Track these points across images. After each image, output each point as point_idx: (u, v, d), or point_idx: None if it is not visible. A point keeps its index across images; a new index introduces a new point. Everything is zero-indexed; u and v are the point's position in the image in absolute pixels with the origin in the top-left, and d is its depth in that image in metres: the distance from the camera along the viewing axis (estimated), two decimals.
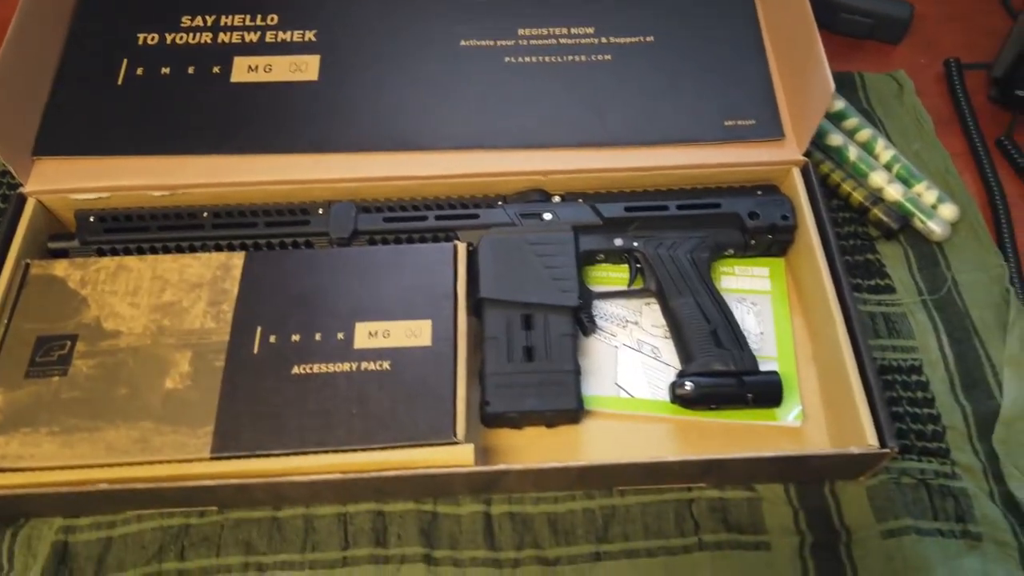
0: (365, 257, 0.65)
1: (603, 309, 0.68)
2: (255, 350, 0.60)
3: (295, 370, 0.59)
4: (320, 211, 0.67)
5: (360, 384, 0.58)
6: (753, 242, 0.68)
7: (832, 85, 0.62)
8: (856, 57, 0.86)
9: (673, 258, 0.66)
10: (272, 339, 0.60)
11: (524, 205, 0.68)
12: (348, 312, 0.61)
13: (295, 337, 0.60)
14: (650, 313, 0.67)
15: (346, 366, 0.59)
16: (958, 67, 0.82)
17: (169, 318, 0.61)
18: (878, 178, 0.73)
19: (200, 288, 0.63)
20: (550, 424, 0.62)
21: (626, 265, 0.69)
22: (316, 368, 0.59)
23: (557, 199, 0.68)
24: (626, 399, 0.62)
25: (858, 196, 0.73)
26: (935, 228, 0.70)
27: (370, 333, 0.60)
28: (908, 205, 0.72)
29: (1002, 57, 0.79)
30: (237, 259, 0.64)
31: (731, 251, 0.68)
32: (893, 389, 0.64)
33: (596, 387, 0.63)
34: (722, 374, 0.61)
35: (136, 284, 0.63)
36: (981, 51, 0.85)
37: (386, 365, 0.59)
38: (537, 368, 0.61)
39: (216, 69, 0.73)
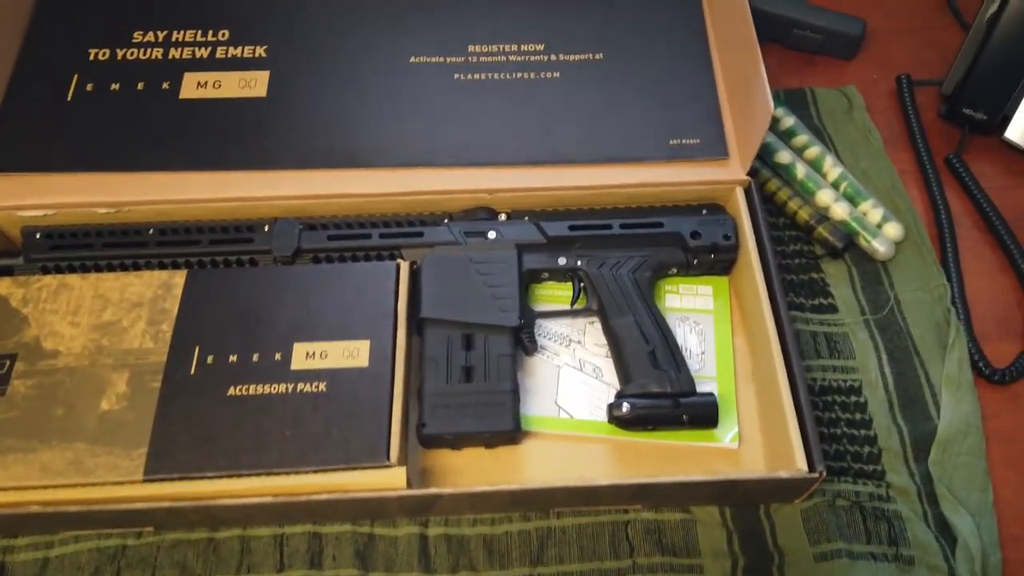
0: (307, 275, 0.65)
1: (547, 328, 0.68)
2: (192, 371, 0.60)
3: (231, 391, 0.59)
4: (265, 228, 0.67)
5: (295, 406, 0.58)
6: (696, 261, 0.68)
7: (772, 106, 0.63)
8: (808, 72, 0.86)
9: (615, 277, 0.66)
10: (210, 359, 0.60)
11: (469, 223, 0.68)
12: (287, 332, 0.61)
13: (233, 358, 0.60)
14: (594, 332, 0.67)
15: (282, 387, 0.59)
16: (909, 83, 0.82)
17: (108, 338, 0.61)
18: (825, 196, 0.74)
19: (140, 307, 0.63)
20: (488, 445, 0.62)
21: (570, 284, 0.69)
22: (252, 389, 0.59)
23: (503, 217, 0.69)
24: (566, 420, 0.63)
25: (804, 215, 0.73)
26: (879, 247, 0.71)
27: (307, 354, 0.60)
28: (854, 224, 0.72)
29: (952, 74, 0.79)
30: (179, 277, 0.64)
31: (674, 270, 0.69)
32: (832, 410, 0.65)
33: (536, 407, 0.63)
34: (659, 395, 0.61)
35: (77, 303, 0.63)
36: (934, 66, 0.85)
37: (322, 386, 0.59)
38: (475, 389, 0.61)
39: (165, 85, 0.73)
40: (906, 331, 0.68)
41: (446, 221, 0.68)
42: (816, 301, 0.70)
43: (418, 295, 0.65)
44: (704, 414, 0.61)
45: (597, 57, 0.75)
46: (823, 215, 0.73)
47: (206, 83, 0.73)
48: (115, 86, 0.72)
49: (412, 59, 0.75)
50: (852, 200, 0.74)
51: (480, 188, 0.69)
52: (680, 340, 0.66)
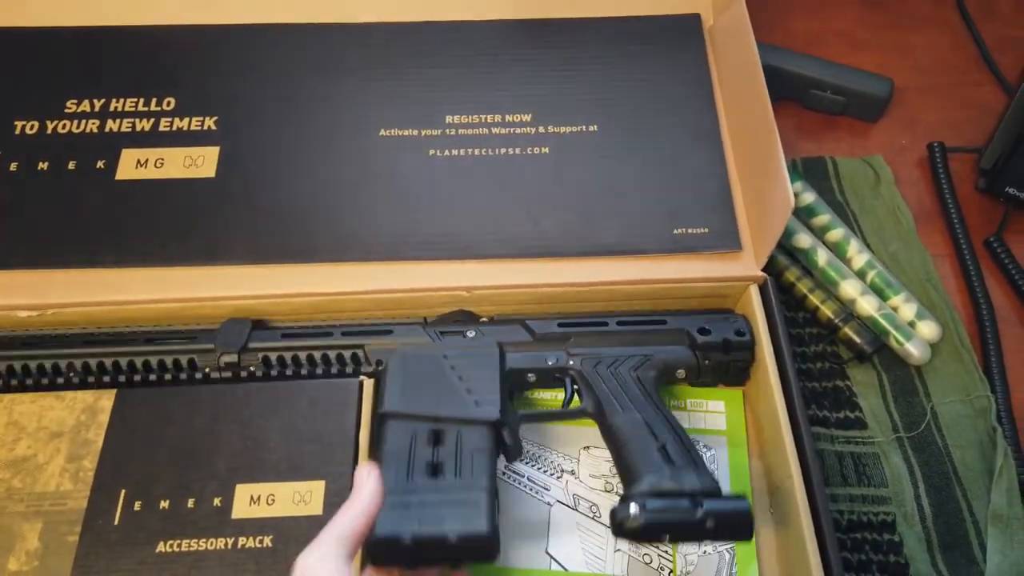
0: (253, 396, 0.56)
1: (535, 454, 0.59)
2: (116, 520, 0.51)
3: (160, 547, 0.50)
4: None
5: (235, 564, 0.50)
6: (707, 362, 0.59)
7: (792, 201, 0.54)
8: (829, 136, 0.77)
9: (615, 375, 0.58)
10: (137, 505, 0.52)
11: (445, 323, 0.60)
12: (228, 470, 0.53)
13: (164, 503, 0.52)
14: (589, 461, 0.59)
15: (220, 542, 0.50)
16: (942, 152, 0.73)
17: (21, 477, 0.53)
18: (850, 288, 0.65)
19: (60, 438, 0.54)
20: (455, 564, 0.51)
21: (560, 389, 0.60)
22: (186, 545, 0.50)
23: (485, 319, 0.61)
24: (559, 573, 0.54)
25: (827, 311, 0.64)
26: (913, 350, 0.62)
27: (252, 498, 0.52)
28: (883, 322, 0.63)
29: (992, 147, 0.70)
30: (107, 399, 0.56)
31: (682, 373, 0.60)
32: (862, 551, 0.56)
33: (525, 557, 0.54)
34: (675, 495, 0.51)
35: None
36: (970, 130, 0.76)
37: (267, 541, 0.50)
38: (443, 485, 0.50)
39: (101, 164, 0.64)
40: (946, 452, 0.60)
41: (420, 324, 0.60)
42: (842, 414, 0.61)
43: (380, 392, 0.56)
44: (734, 521, 0.50)
45: (591, 129, 0.66)
46: (849, 312, 0.64)
47: (147, 161, 0.64)
48: (43, 165, 0.64)
49: (382, 132, 0.66)
50: (881, 293, 0.65)
51: (457, 285, 0.60)
52: None
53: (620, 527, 0.50)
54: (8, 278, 0.60)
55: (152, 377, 0.58)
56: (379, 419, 0.54)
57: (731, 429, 0.59)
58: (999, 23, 0.83)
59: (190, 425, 0.55)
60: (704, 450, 0.59)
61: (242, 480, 0.53)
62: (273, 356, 0.58)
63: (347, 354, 0.58)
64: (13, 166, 0.64)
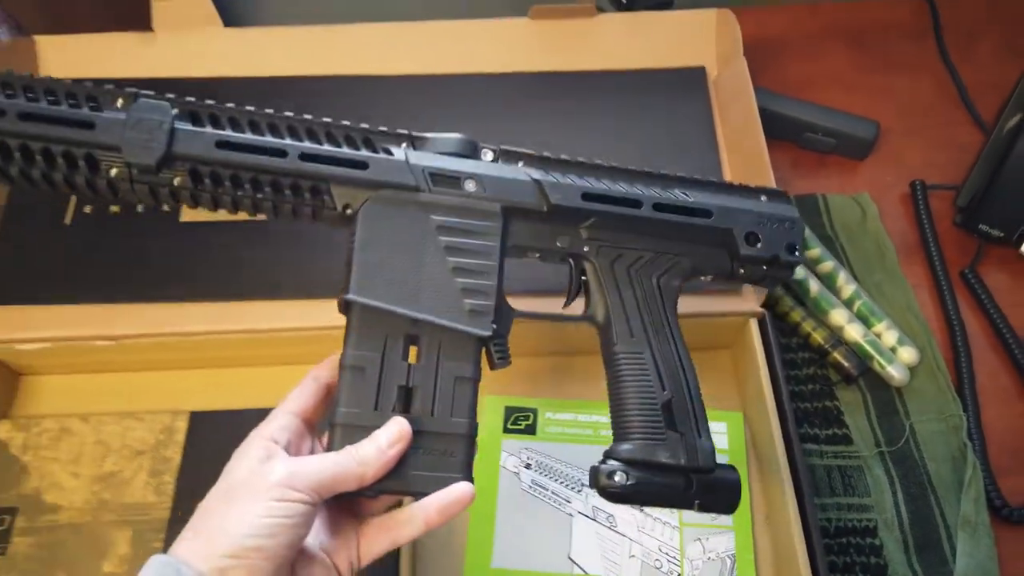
0: None
1: (558, 470, 0.66)
2: None
3: None
4: (117, 103, 0.45)
5: None
6: (742, 271, 0.54)
7: None
8: (820, 174, 0.85)
9: (633, 280, 0.50)
10: None
11: (439, 158, 0.48)
12: None
13: None
14: None
15: None
16: (923, 190, 0.81)
17: (110, 490, 0.60)
18: (839, 316, 0.72)
19: (143, 456, 0.62)
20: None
21: (563, 268, 0.53)
22: None
23: (489, 155, 0.50)
24: None
25: (818, 337, 0.72)
26: (894, 373, 0.70)
27: None
28: (868, 347, 0.71)
29: (968, 185, 0.78)
30: (181, 421, 0.63)
31: (708, 278, 0.54)
32: (847, 553, 0.63)
33: (549, 562, 0.62)
34: (668, 469, 0.48)
35: (78, 450, 0.62)
36: (949, 168, 0.83)
37: None
38: (415, 426, 0.44)
39: (166, 207, 0.71)
40: (922, 465, 0.67)
41: (405, 144, 0.48)
42: (831, 431, 0.69)
43: (348, 260, 0.46)
44: (722, 499, 0.49)
45: None
46: (837, 338, 0.72)
47: None
48: (115, 208, 0.71)
49: None
50: (866, 320, 0.73)
51: None
52: None
53: (602, 490, 0.47)
54: (86, 312, 0.67)
55: (36, 174, 0.44)
56: (344, 305, 0.46)
57: (732, 449, 0.67)
58: (978, 68, 0.90)
59: None
60: None
61: None
62: (205, 171, 0.45)
63: (305, 185, 0.46)
64: (88, 209, 0.71)
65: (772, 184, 0.64)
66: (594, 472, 0.48)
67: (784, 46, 0.94)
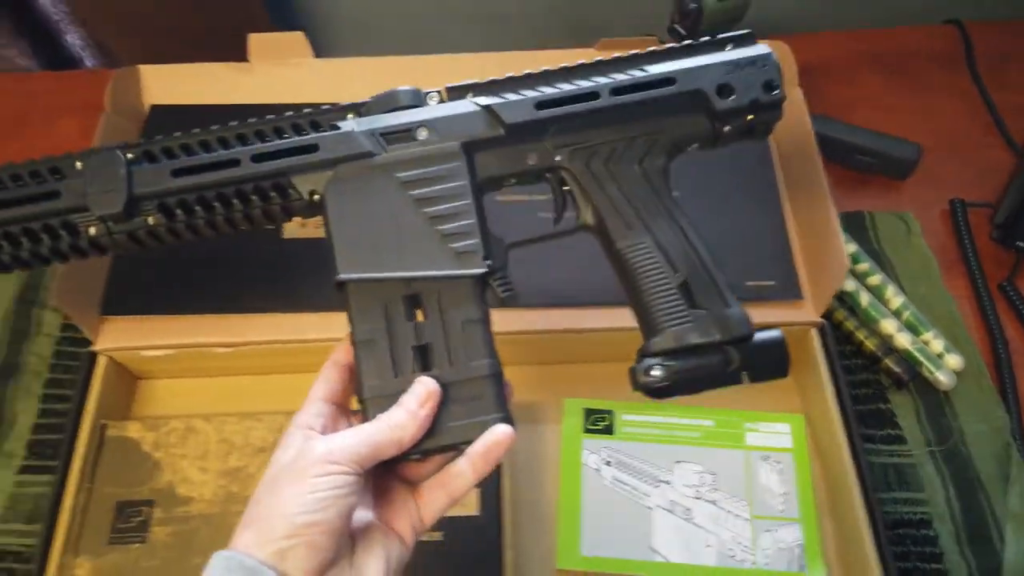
0: None
1: (636, 468, 0.72)
2: None
3: None
4: (76, 166, 0.47)
5: (415, 556, 0.63)
6: (727, 129, 0.51)
7: (847, 263, 0.68)
8: (864, 193, 0.91)
9: (614, 174, 0.48)
10: None
11: (386, 117, 0.48)
12: None
13: None
14: (683, 471, 0.71)
15: None
16: (962, 208, 0.87)
17: (237, 484, 0.66)
18: (888, 325, 0.78)
19: (264, 452, 0.68)
20: None
21: (547, 187, 0.52)
22: None
23: (434, 100, 0.49)
24: (661, 564, 0.67)
25: (870, 345, 0.78)
26: (942, 379, 0.76)
27: None
28: (917, 355, 0.77)
29: (1004, 204, 0.84)
30: None
31: (695, 146, 0.52)
32: (904, 544, 0.69)
33: (632, 551, 0.67)
34: (703, 349, 0.46)
35: (204, 447, 0.68)
36: (986, 187, 0.89)
37: (438, 535, 0.64)
38: (439, 379, 0.44)
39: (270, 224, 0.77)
40: (970, 463, 0.73)
41: (350, 116, 0.49)
42: (885, 432, 0.75)
43: (329, 245, 0.47)
44: (770, 362, 0.47)
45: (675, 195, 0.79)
46: (888, 346, 0.78)
47: (307, 222, 0.78)
48: None
49: (498, 198, 0.79)
50: (914, 329, 0.79)
51: (551, 328, 0.73)
52: (763, 480, 0.70)
53: (644, 388, 0.46)
54: (206, 321, 0.73)
55: (25, 255, 0.48)
56: (338, 289, 0.47)
57: (796, 447, 0.73)
58: (1010, 92, 0.96)
59: None
60: (775, 464, 0.72)
61: None
62: (172, 202, 0.47)
63: (267, 185, 0.47)
64: None
65: (835, 215, 0.70)
66: (632, 373, 0.47)
67: (823, 71, 1.00)
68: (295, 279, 0.75)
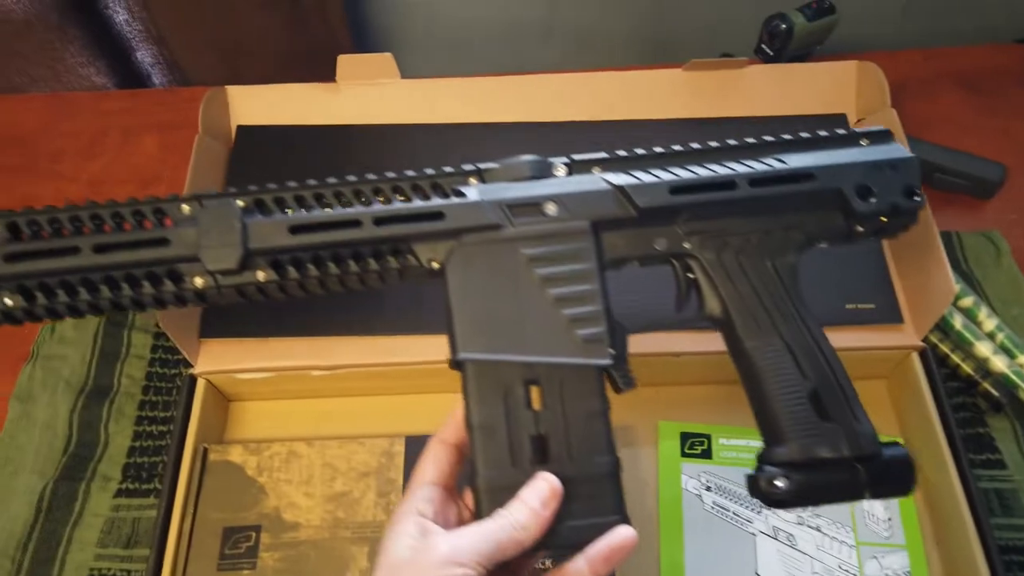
0: None
1: (737, 493, 0.71)
2: None
3: None
4: (183, 209, 0.45)
5: None
6: (860, 229, 0.50)
7: (954, 287, 0.67)
8: (949, 212, 0.90)
9: (745, 268, 0.47)
10: None
11: (512, 187, 0.46)
12: None
13: None
14: None
15: None
16: None
17: (343, 509, 0.66)
18: (983, 348, 0.78)
19: (368, 477, 0.67)
20: None
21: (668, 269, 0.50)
22: None
23: (561, 171, 0.48)
24: None
25: (967, 368, 0.77)
26: None
27: None
28: (1014, 377, 0.76)
29: None
30: (399, 445, 0.69)
31: (824, 244, 0.51)
32: (1012, 571, 0.68)
33: None
34: (832, 463, 0.44)
35: (308, 472, 0.68)
36: None
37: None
38: (557, 474, 0.42)
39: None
40: None
41: (471, 181, 0.47)
42: (984, 456, 0.74)
43: (449, 320, 0.45)
44: (896, 481, 0.45)
45: None
46: (985, 369, 0.77)
47: None
48: None
49: None
50: (1009, 352, 0.78)
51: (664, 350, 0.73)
52: (865, 506, 0.70)
53: (765, 498, 0.45)
54: (300, 343, 0.73)
55: (125, 301, 0.45)
56: (458, 367, 0.44)
57: None
58: None
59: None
60: None
61: None
62: (285, 259, 0.45)
63: (386, 249, 0.46)
64: None
65: (938, 240, 0.69)
66: (753, 481, 0.45)
67: (900, 89, 0.99)
68: (388, 301, 0.75)
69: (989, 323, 0.80)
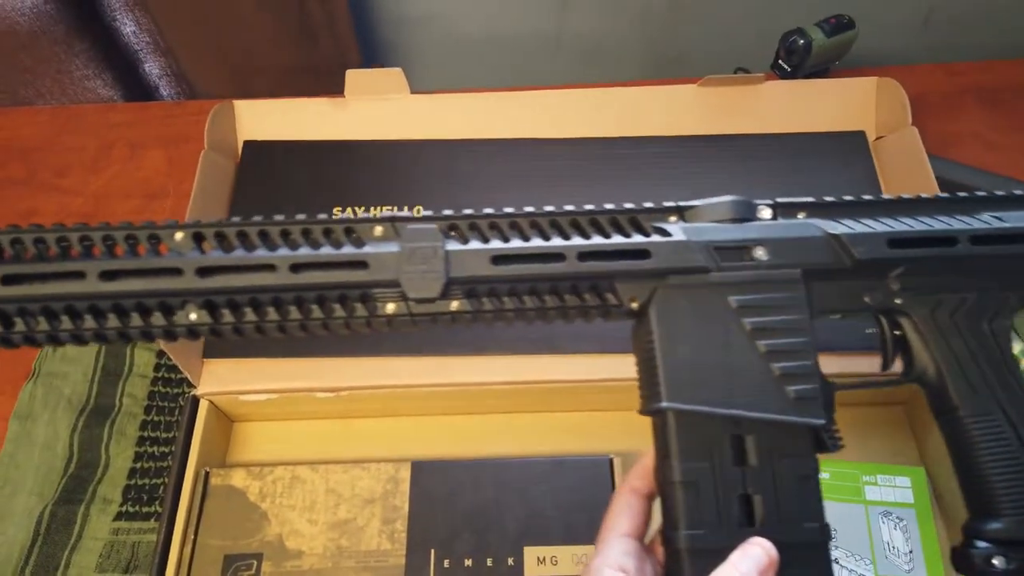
0: (525, 470, 0.67)
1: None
2: (431, 575, 0.62)
3: None
4: (376, 232, 0.43)
5: None
6: None
7: None
8: None
9: (961, 328, 0.44)
10: (446, 563, 0.63)
11: (719, 229, 0.44)
12: (515, 534, 0.64)
13: (468, 562, 0.63)
14: None
15: None
16: None
17: (347, 537, 0.64)
18: None
19: (373, 504, 0.66)
20: None
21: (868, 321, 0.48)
22: None
23: (766, 211, 0.45)
24: None
25: None
26: None
27: (538, 559, 0.63)
28: None
29: None
30: (404, 471, 0.67)
31: None
32: None
33: None
34: None
35: (312, 499, 0.66)
36: None
37: None
38: (767, 539, 0.39)
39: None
40: None
41: (671, 219, 0.44)
42: None
43: (649, 363, 0.42)
44: None
45: None
46: None
47: None
48: None
49: None
50: None
51: None
52: (885, 537, 0.67)
53: (975, 571, 0.42)
54: (304, 364, 0.71)
55: (314, 325, 0.42)
56: (657, 415, 0.42)
57: (918, 503, 0.69)
58: None
59: (476, 493, 0.66)
60: (897, 521, 0.69)
61: (528, 543, 0.64)
62: (482, 289, 0.42)
63: (584, 286, 0.43)
64: None
65: None
66: (964, 557, 0.42)
67: (921, 106, 0.97)
68: None
69: (1015, 346, 0.77)
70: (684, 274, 0.43)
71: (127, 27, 0.97)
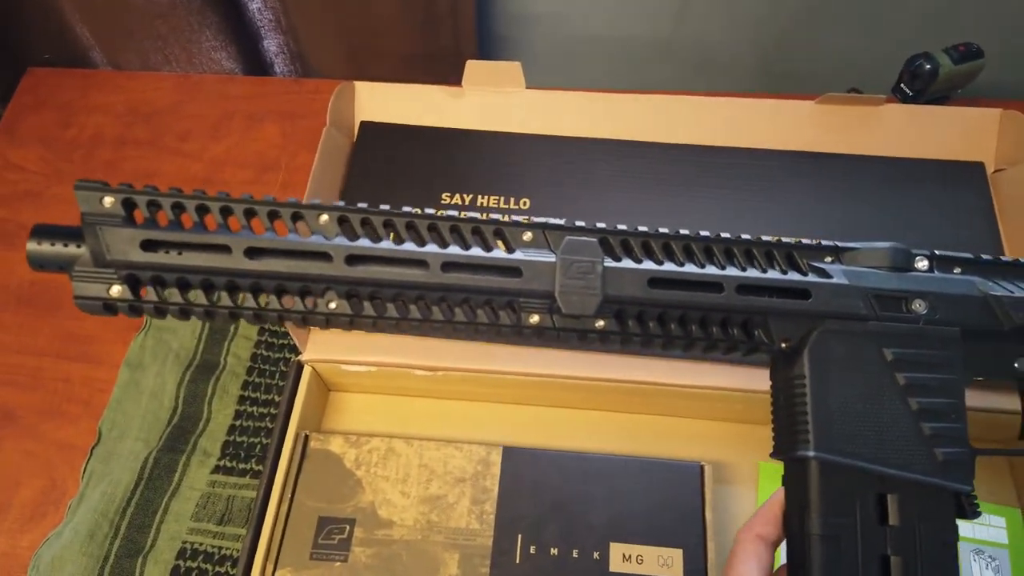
0: (614, 467, 0.68)
1: None
2: (517, 559, 0.64)
3: None
4: (526, 237, 0.41)
5: None
6: None
7: None
8: None
9: None
10: (532, 549, 0.64)
11: (878, 276, 0.42)
12: (602, 529, 0.65)
13: (554, 551, 0.64)
14: None
15: None
16: None
17: (437, 513, 0.66)
18: None
19: (463, 483, 0.67)
20: None
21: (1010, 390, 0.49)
22: None
23: (923, 261, 0.43)
24: None
25: None
26: None
27: (624, 556, 0.63)
28: None
29: None
30: (495, 455, 0.69)
31: None
32: None
33: None
34: None
35: (405, 471, 0.68)
36: None
37: None
38: None
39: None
40: None
41: (827, 259, 0.42)
42: None
43: (793, 408, 0.41)
44: None
45: None
46: None
47: None
48: None
49: None
50: None
51: None
52: (976, 575, 0.66)
53: None
54: (407, 341, 0.73)
55: (460, 327, 0.41)
56: (797, 463, 0.41)
57: (1013, 543, 0.68)
58: None
59: (566, 485, 0.67)
60: (989, 560, 0.68)
61: (615, 539, 0.64)
62: (632, 311, 0.41)
63: (736, 320, 0.41)
64: None
65: None
66: None
67: None
68: None
69: None
70: (843, 319, 0.41)
71: (253, 3, 1.00)
